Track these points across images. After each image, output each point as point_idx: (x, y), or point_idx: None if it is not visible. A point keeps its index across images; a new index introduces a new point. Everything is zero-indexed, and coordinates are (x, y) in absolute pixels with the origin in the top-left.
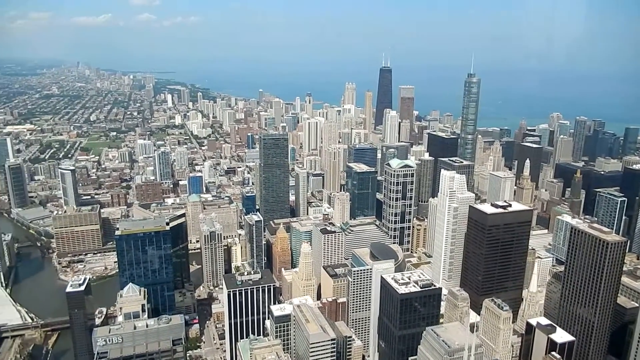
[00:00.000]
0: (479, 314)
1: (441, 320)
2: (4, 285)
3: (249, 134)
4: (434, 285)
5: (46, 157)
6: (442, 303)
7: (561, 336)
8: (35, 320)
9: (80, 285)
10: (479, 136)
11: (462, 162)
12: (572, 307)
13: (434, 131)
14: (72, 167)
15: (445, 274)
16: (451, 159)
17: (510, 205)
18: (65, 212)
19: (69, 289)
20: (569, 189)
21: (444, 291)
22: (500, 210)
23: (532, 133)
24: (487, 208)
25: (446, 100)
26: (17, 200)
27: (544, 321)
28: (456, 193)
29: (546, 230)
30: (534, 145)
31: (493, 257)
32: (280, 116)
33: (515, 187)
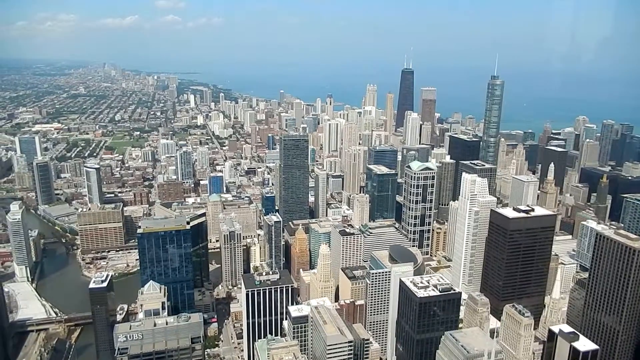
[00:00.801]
0: (500, 320)
1: (460, 325)
2: (29, 280)
3: (270, 135)
4: (454, 290)
5: (72, 156)
6: (461, 308)
7: (584, 344)
8: (59, 315)
9: (102, 281)
10: (502, 139)
11: (484, 165)
12: (596, 315)
13: (456, 134)
14: (97, 166)
15: (465, 279)
16: (473, 162)
17: (533, 210)
18: (89, 209)
19: (91, 285)
20: (595, 194)
21: (464, 296)
22: (522, 214)
23: (556, 136)
24: (509, 212)
25: (468, 103)
26: (44, 197)
27: (567, 328)
28: (477, 196)
29: (570, 236)
30: (559, 149)
31: (514, 262)
32: (300, 117)
33: (539, 192)
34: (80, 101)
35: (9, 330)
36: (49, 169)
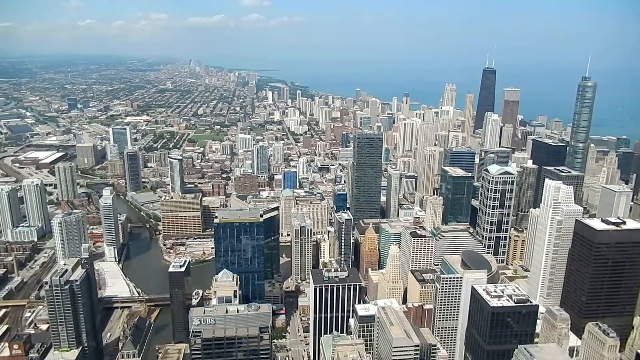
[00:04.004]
0: (580, 338)
1: (536, 340)
2: (117, 260)
3: (344, 133)
4: (530, 302)
5: (158, 147)
6: (538, 321)
7: None
8: (141, 294)
9: (181, 266)
10: (592, 145)
11: (570, 172)
12: None
13: (540, 137)
14: (180, 157)
15: (544, 291)
16: (558, 168)
17: (624, 223)
18: (171, 198)
19: (171, 269)
20: None
21: (541, 309)
22: (612, 227)
23: None
24: (596, 224)
25: (555, 105)
26: (132, 184)
27: None
28: (561, 205)
29: None
30: None
31: (600, 278)
32: (376, 116)
33: (632, 204)
34: (167, 95)
35: (97, 305)
36: (137, 158)
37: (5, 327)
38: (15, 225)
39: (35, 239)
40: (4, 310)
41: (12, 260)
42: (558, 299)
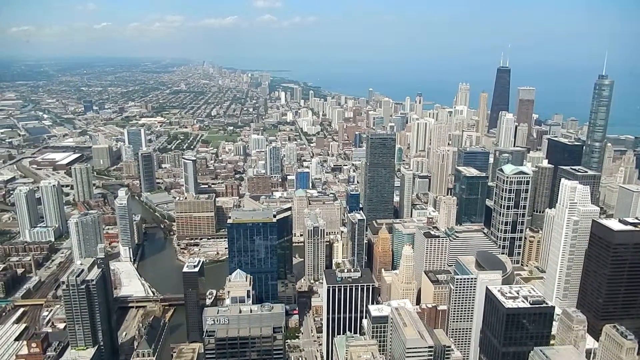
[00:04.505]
0: (597, 340)
1: (552, 342)
2: (132, 260)
3: (357, 133)
4: (546, 303)
5: (172, 148)
6: (554, 323)
7: None
8: (155, 294)
9: (195, 267)
10: (609, 144)
11: (586, 171)
12: None
13: (555, 136)
14: (194, 158)
15: (560, 292)
16: (574, 167)
17: None
18: (185, 198)
19: (185, 269)
20: None
21: (557, 310)
22: (630, 227)
23: None
24: (614, 224)
25: (572, 104)
26: (147, 185)
27: None
28: (577, 205)
29: None
30: None
31: (618, 279)
32: (389, 116)
33: None
34: (181, 97)
35: (113, 305)
36: (152, 159)
37: (24, 325)
38: (33, 225)
39: (53, 239)
40: (22, 309)
41: (30, 260)
42: (574, 300)
